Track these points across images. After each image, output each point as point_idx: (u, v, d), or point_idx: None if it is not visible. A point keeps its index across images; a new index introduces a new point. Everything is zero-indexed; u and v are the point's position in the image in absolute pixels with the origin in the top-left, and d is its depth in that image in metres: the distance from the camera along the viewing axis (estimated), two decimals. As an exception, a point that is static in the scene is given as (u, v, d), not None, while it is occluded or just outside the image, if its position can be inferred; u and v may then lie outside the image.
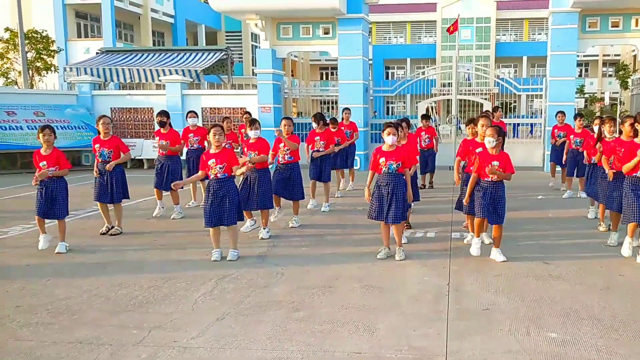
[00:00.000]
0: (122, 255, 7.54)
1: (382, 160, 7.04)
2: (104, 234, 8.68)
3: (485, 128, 7.73)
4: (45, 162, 7.57)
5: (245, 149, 8.22)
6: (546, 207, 10.62)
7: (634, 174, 6.79)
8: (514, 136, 18.82)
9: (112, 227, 8.76)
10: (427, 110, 18.77)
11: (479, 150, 7.39)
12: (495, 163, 6.83)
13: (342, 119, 13.12)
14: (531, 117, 22.94)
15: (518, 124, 19.09)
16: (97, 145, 8.63)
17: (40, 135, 7.59)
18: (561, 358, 4.32)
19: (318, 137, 10.70)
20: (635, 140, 6.88)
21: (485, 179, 6.92)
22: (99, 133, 8.72)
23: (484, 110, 15.39)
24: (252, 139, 8.18)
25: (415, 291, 5.93)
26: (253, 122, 8.26)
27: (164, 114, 10.20)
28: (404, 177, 7.14)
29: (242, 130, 11.32)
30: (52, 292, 5.99)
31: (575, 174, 11.52)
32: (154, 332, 4.89)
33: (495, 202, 6.89)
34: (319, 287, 6.03)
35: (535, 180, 13.42)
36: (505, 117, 20.53)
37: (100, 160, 8.64)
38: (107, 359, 4.40)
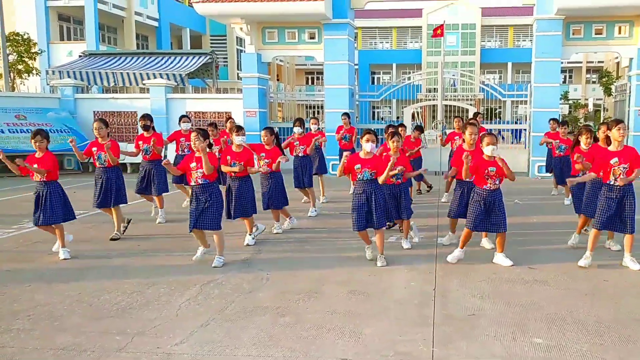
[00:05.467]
0: (105, 261, 7.44)
1: (357, 166, 7.02)
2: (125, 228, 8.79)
3: (475, 136, 7.74)
4: (37, 165, 7.47)
5: (229, 158, 8.01)
6: (530, 213, 10.67)
7: (607, 181, 6.78)
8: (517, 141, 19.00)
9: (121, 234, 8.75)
10: (413, 115, 18.82)
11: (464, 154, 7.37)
12: (492, 169, 6.83)
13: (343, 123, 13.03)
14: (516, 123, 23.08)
15: (520, 130, 19.10)
16: (94, 149, 8.60)
17: (32, 141, 7.49)
18: (547, 363, 4.32)
19: (297, 142, 10.72)
20: (609, 148, 6.81)
21: (484, 187, 6.91)
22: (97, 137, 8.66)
23: (469, 115, 15.44)
24: (235, 147, 8.03)
25: (402, 296, 5.91)
26: (240, 129, 8.15)
27: (147, 117, 10.07)
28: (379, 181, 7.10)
29: (222, 138, 10.93)
30: (33, 298, 5.89)
31: (564, 182, 11.58)
32: (136, 339, 4.81)
33: (493, 211, 6.89)
34: (305, 292, 5.99)
35: (519, 186, 13.45)
36: (490, 123, 20.70)
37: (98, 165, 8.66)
38: (89, 366, 4.33)
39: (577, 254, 7.43)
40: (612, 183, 6.72)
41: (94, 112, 19.13)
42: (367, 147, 7.03)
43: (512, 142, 20.02)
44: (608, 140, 7.01)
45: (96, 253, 7.83)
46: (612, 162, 6.66)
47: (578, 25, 16.36)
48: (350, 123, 12.98)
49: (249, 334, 4.89)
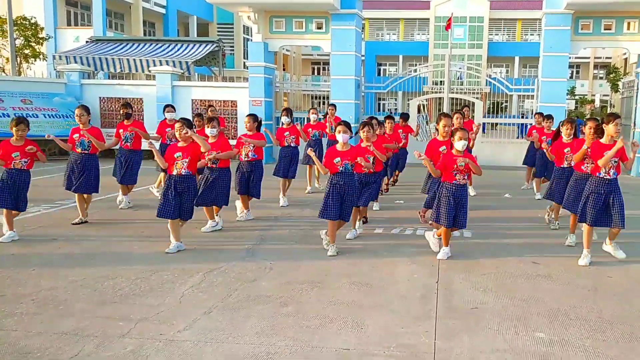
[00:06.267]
0: (109, 247, 7.46)
1: (337, 160, 7.05)
2: (75, 224, 8.60)
3: (448, 129, 7.72)
4: (18, 153, 7.54)
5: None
6: (535, 207, 10.64)
7: (597, 174, 6.78)
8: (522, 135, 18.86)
9: (86, 221, 8.71)
10: (419, 108, 18.77)
11: (442, 148, 7.41)
12: (462, 163, 6.82)
13: (327, 114, 12.99)
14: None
15: (525, 125, 18.91)
16: (75, 135, 8.63)
17: (14, 129, 7.52)
18: (549, 358, 4.32)
19: (287, 132, 10.79)
20: (601, 140, 6.82)
21: (453, 182, 6.89)
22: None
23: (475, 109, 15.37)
24: (210, 138, 8.03)
25: (405, 289, 5.91)
26: (211, 120, 8.18)
27: (128, 105, 10.10)
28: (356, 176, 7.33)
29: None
30: (38, 282, 5.91)
31: (544, 175, 11.50)
32: (140, 325, 4.84)
33: (460, 206, 6.89)
34: (308, 283, 6.01)
35: (524, 180, 13.40)
36: (496, 116, 20.65)
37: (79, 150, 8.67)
38: (93, 350, 4.34)
39: (581, 249, 7.43)
40: (602, 176, 6.73)
41: (100, 97, 19.12)
42: (339, 138, 7.06)
43: (518, 137, 19.94)
44: (599, 135, 6.96)
45: (100, 239, 7.85)
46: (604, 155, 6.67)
47: (587, 20, 16.27)
48: (335, 114, 12.90)
49: (252, 323, 4.90)
